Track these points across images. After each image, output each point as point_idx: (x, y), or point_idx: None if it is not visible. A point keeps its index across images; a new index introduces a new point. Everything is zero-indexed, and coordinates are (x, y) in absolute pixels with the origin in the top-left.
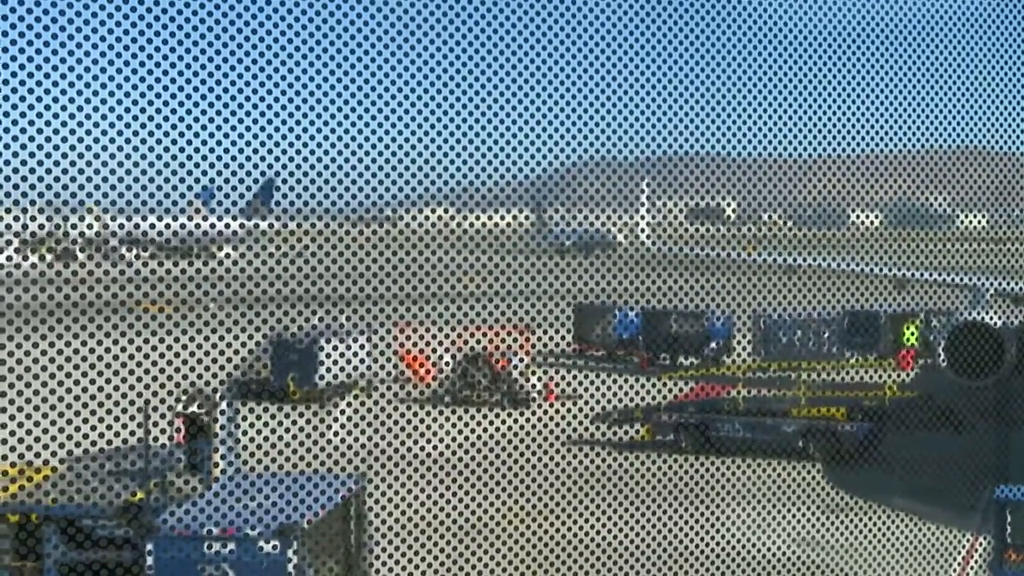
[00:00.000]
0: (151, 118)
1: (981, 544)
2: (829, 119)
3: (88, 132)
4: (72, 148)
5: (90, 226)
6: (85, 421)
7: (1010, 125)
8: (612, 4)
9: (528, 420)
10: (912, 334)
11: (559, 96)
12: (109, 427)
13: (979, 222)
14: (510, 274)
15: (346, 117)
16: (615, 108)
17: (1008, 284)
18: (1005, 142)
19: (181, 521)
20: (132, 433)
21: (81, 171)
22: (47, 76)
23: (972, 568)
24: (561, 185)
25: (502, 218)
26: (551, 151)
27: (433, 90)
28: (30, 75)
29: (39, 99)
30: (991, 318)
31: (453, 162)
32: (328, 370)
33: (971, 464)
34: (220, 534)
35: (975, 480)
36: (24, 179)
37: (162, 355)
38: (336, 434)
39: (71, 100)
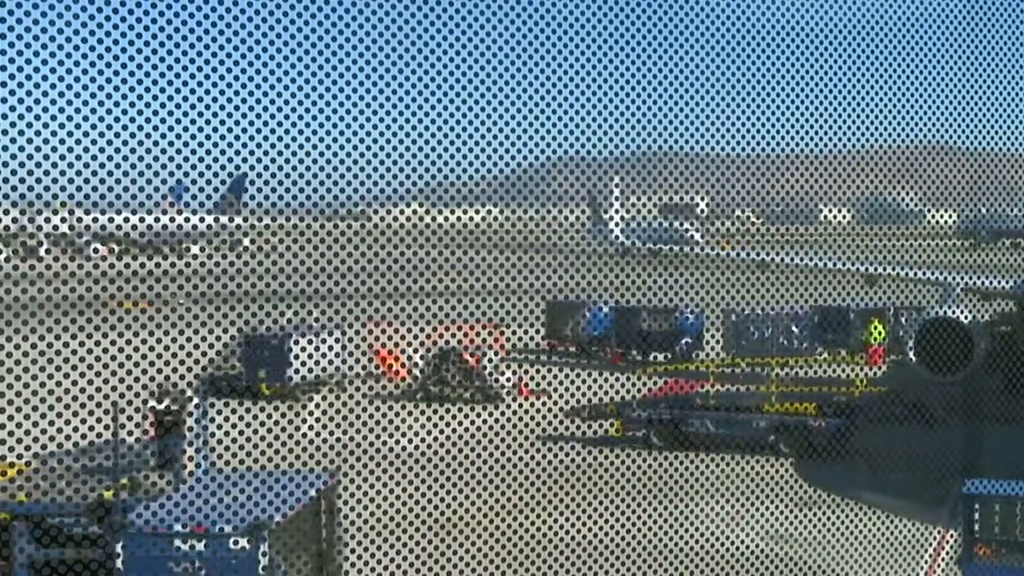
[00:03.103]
0: (125, 114)
1: (951, 538)
2: (800, 116)
3: (58, 128)
4: (42, 144)
5: (60, 223)
6: (55, 419)
7: (979, 122)
8: (583, 3)
9: (500, 416)
10: (877, 331)
11: (531, 94)
12: (79, 425)
13: (948, 219)
14: (486, 270)
15: (319, 113)
16: (587, 106)
17: (977, 280)
18: (974, 139)
19: (152, 519)
20: (102, 431)
21: (49, 168)
22: (16, 72)
23: (942, 562)
24: (532, 183)
25: (475, 214)
26: (523, 149)
27: (405, 88)
28: None
29: (7, 95)
30: (961, 314)
31: (425, 159)
32: (300, 367)
33: (940, 459)
34: (191, 531)
35: (944, 475)
36: None
37: (133, 353)
38: (310, 430)
39: (41, 95)
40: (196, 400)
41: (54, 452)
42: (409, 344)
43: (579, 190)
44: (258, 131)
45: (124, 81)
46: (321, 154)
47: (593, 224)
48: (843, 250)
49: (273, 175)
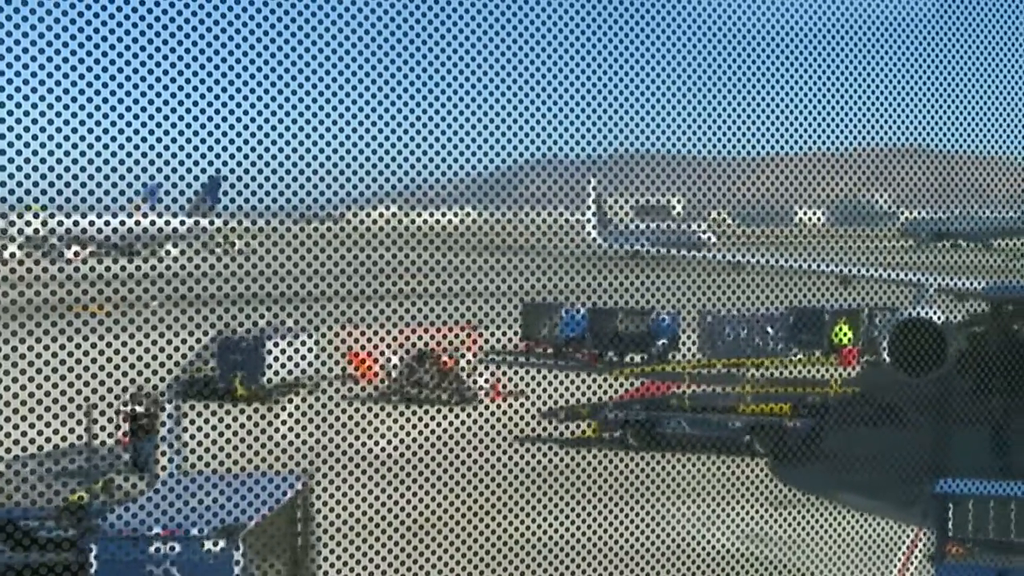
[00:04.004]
0: (97, 110)
1: (923, 538)
2: (773, 118)
3: (27, 128)
4: (11, 145)
5: (38, 225)
6: (28, 421)
7: (950, 124)
8: (558, 4)
9: (475, 418)
10: (843, 332)
11: (506, 95)
12: (52, 428)
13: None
14: (463, 271)
15: (294, 114)
16: (562, 107)
17: (950, 281)
18: (945, 141)
19: (125, 522)
20: (75, 434)
21: (19, 168)
22: None
23: (915, 562)
24: (508, 185)
25: (451, 216)
26: (498, 150)
27: (379, 89)
28: None
29: None
30: (934, 314)
31: (400, 161)
32: (274, 369)
33: (914, 459)
34: (165, 534)
35: (918, 474)
36: None
37: (105, 355)
38: (286, 430)
39: (9, 96)
40: (169, 402)
41: (26, 455)
42: (385, 345)
43: (555, 191)
44: (233, 132)
45: (97, 77)
46: (298, 153)
47: (599, 224)
48: (818, 251)
49: (250, 174)
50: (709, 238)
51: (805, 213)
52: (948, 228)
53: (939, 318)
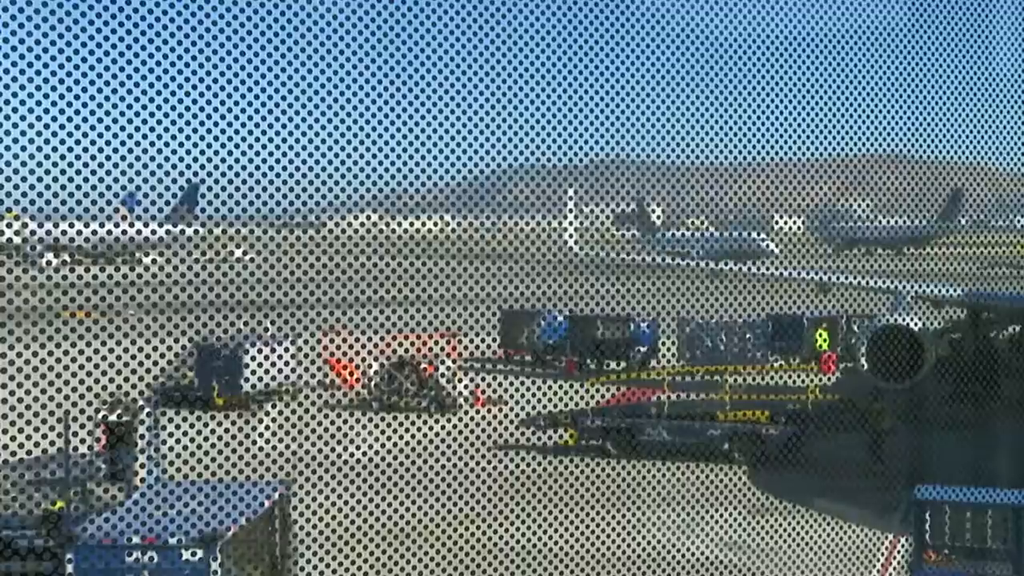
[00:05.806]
0: (76, 123)
1: (902, 544)
2: (752, 126)
3: (8, 134)
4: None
5: (16, 230)
6: (4, 430)
7: (927, 131)
8: (537, 13)
9: (455, 426)
10: (823, 339)
11: (485, 102)
12: (28, 436)
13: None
14: (441, 280)
15: (273, 122)
16: (541, 114)
17: (927, 288)
18: (922, 148)
19: (102, 530)
20: (52, 442)
21: (2, 182)
22: None
23: (893, 568)
24: (486, 192)
25: (430, 223)
26: (477, 158)
27: (359, 96)
28: None
29: None
30: (911, 321)
31: (379, 168)
32: (253, 376)
33: (891, 465)
34: (142, 543)
35: (895, 481)
36: None
37: (83, 363)
38: (264, 440)
39: None
40: (148, 410)
41: (3, 463)
42: (364, 352)
43: (534, 198)
44: (212, 140)
45: (81, 85)
46: (277, 161)
47: (641, 232)
48: (796, 258)
49: (230, 181)
50: (770, 247)
51: (784, 220)
52: (858, 235)
53: (916, 324)
